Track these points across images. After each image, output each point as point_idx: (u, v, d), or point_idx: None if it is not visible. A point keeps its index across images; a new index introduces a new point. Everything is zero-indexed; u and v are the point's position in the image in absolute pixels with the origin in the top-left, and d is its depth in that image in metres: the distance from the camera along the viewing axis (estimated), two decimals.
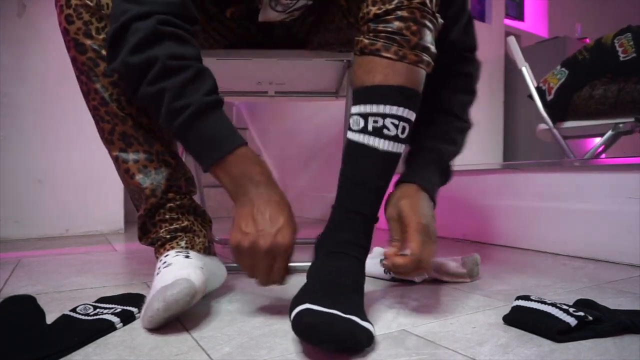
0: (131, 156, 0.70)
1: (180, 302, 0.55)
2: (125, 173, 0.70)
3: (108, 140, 0.70)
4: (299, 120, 2.49)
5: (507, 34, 2.05)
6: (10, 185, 1.48)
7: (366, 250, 0.63)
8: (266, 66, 0.91)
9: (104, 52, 0.66)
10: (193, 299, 0.56)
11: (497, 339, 0.54)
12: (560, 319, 0.53)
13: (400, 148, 0.63)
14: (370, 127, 0.61)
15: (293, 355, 0.49)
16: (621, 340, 0.53)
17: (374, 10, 0.62)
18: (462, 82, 0.84)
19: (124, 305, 0.63)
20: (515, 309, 0.59)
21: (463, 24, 0.79)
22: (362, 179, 0.63)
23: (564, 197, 1.18)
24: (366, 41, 0.62)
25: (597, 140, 1.63)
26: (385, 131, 0.61)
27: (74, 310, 0.60)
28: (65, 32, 0.67)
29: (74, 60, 0.68)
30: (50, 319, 0.57)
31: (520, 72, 1.74)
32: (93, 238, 0.78)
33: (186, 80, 0.58)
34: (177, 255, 0.67)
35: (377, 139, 0.61)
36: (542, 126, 1.68)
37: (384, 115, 0.61)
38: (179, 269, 0.60)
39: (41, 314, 0.56)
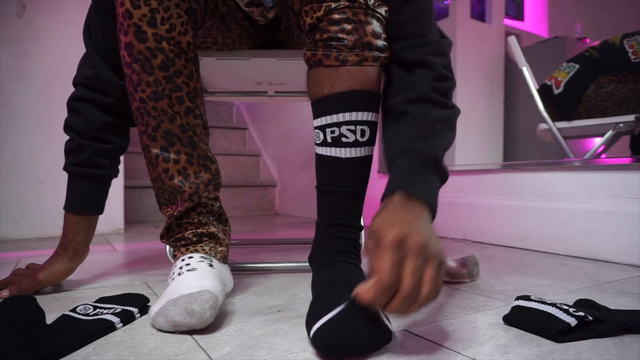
0: (172, 156, 0.67)
1: (203, 320, 0.54)
2: (163, 172, 0.68)
3: (151, 136, 0.67)
4: (299, 120, 2.49)
5: (507, 34, 2.05)
6: (10, 185, 1.49)
7: (356, 255, 0.64)
8: (266, 66, 0.91)
9: (164, 44, 0.63)
10: (212, 315, 0.56)
11: (497, 339, 0.54)
12: (560, 319, 0.54)
13: (364, 152, 0.63)
14: (329, 139, 0.62)
15: (293, 355, 0.49)
16: (621, 340, 0.53)
17: (308, 20, 0.62)
18: (422, 73, 0.64)
19: (124, 305, 0.63)
20: (515, 309, 0.59)
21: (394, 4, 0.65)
22: (334, 190, 0.64)
23: (564, 197, 1.18)
24: (309, 53, 0.62)
25: (597, 140, 1.62)
26: (343, 139, 0.62)
27: (73, 310, 0.60)
28: (126, 15, 0.61)
29: (128, 46, 0.63)
30: (50, 319, 0.57)
31: (520, 72, 1.74)
32: (93, 238, 0.78)
33: (69, 148, 0.79)
34: (202, 261, 0.65)
35: (337, 149, 0.62)
36: (542, 126, 1.68)
37: (338, 124, 0.61)
38: (205, 278, 0.59)
39: (41, 314, 0.56)
